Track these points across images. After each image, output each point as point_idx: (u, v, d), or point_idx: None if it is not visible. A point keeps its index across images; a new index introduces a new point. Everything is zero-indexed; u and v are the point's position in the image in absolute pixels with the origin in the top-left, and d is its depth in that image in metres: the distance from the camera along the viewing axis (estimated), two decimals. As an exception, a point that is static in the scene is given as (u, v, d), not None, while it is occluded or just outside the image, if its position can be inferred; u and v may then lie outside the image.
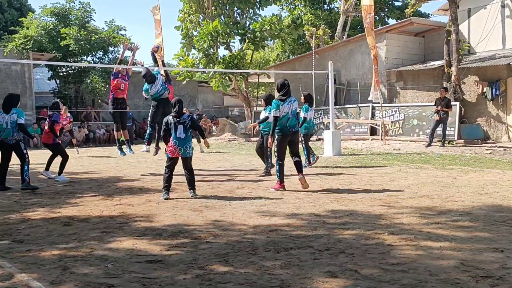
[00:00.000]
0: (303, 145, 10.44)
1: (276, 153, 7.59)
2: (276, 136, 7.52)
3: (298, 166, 7.58)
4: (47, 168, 9.83)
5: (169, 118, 7.14)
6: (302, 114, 10.18)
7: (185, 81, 20.86)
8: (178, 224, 5.35)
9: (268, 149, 9.08)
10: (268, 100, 8.97)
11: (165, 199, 6.91)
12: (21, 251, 4.39)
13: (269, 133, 9.15)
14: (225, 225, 5.27)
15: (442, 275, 3.54)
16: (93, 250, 4.37)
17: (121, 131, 10.78)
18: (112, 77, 10.80)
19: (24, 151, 8.26)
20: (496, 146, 13.18)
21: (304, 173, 7.70)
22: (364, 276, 3.55)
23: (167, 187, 7.08)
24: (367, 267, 3.73)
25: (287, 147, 7.63)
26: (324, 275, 3.60)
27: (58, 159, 9.52)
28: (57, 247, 4.51)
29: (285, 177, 7.72)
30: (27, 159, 8.23)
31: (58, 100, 10.26)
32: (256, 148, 9.85)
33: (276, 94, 8.03)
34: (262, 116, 9.71)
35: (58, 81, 25.13)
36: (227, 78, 20.15)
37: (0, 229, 5.32)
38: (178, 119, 7.08)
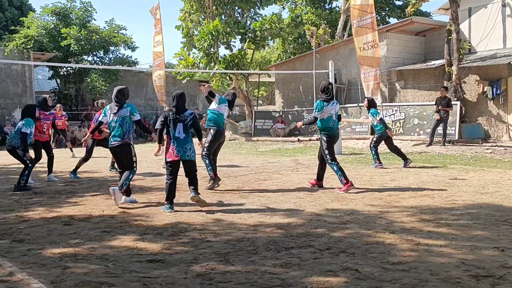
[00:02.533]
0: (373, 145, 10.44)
1: (327, 156, 7.35)
2: (324, 138, 7.37)
3: (324, 172, 7.63)
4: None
5: (169, 114, 6.29)
6: (373, 119, 10.32)
7: (185, 80, 20.85)
8: (179, 224, 5.34)
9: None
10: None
11: (169, 212, 5.99)
12: (22, 251, 4.39)
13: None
14: (225, 224, 5.26)
15: (443, 274, 3.53)
16: (94, 250, 4.37)
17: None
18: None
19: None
20: (496, 146, 13.16)
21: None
22: (365, 275, 3.54)
23: (170, 198, 6.13)
24: (368, 267, 3.73)
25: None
26: (325, 274, 3.59)
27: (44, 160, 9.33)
28: (58, 246, 4.50)
29: (285, 177, 7.71)
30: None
31: (47, 96, 9.77)
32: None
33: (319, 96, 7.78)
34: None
35: (58, 80, 25.14)
36: (227, 77, 20.14)
37: (0, 228, 5.32)
38: (177, 116, 6.23)
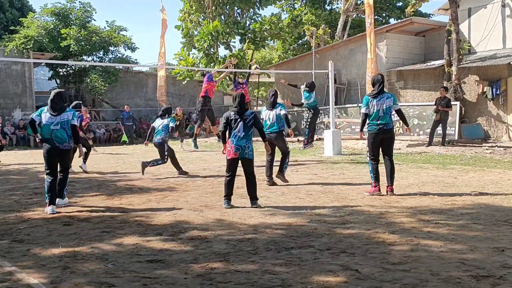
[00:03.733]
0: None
1: (368, 153, 7.13)
2: (366, 135, 7.10)
3: (389, 175, 7.02)
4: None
5: (230, 114, 6.38)
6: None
7: (185, 81, 20.86)
8: (179, 224, 5.34)
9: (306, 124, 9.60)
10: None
11: (226, 208, 6.11)
12: (22, 251, 4.39)
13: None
14: (225, 225, 5.26)
15: (443, 274, 3.53)
16: (94, 250, 4.37)
17: (210, 126, 11.66)
18: (207, 79, 12.35)
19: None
20: (496, 146, 13.16)
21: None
22: (365, 275, 3.54)
23: (228, 194, 6.26)
24: (368, 267, 3.73)
25: (381, 147, 7.06)
26: (325, 274, 3.59)
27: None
28: (58, 246, 4.50)
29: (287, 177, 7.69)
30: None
31: (80, 102, 10.71)
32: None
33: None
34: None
35: (58, 80, 25.13)
36: (227, 77, 20.15)
37: (0, 229, 5.31)
38: (240, 115, 6.35)
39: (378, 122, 6.97)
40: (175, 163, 9.49)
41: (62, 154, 6.36)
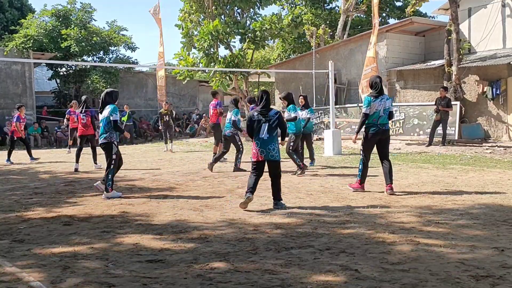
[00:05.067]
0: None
1: (362, 152, 7.21)
2: (364, 134, 7.17)
3: (387, 174, 7.05)
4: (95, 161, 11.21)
5: (254, 114, 6.24)
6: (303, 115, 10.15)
7: (185, 81, 20.86)
8: (179, 224, 5.35)
9: (291, 148, 9.13)
10: (289, 99, 9.11)
11: (247, 198, 6.03)
12: (22, 251, 4.39)
13: (294, 133, 9.25)
14: (225, 225, 5.26)
15: (443, 274, 3.53)
16: (94, 250, 4.37)
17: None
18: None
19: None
20: (496, 146, 13.17)
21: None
22: (364, 275, 3.55)
23: (251, 189, 6.10)
24: (368, 267, 3.73)
25: (376, 148, 7.19)
26: (324, 274, 3.59)
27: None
28: (58, 246, 4.51)
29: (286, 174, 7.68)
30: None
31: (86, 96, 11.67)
32: (286, 149, 9.18)
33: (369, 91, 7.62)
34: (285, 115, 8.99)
35: (58, 81, 25.14)
36: (227, 77, 20.13)
37: (0, 228, 5.32)
38: (264, 117, 6.14)
39: (378, 122, 7.07)
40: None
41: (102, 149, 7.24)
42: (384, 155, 7.17)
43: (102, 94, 7.35)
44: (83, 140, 10.96)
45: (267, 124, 6.12)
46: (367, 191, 7.27)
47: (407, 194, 6.98)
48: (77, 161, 10.76)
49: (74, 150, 14.43)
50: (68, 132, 15.61)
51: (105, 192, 7.10)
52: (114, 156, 7.14)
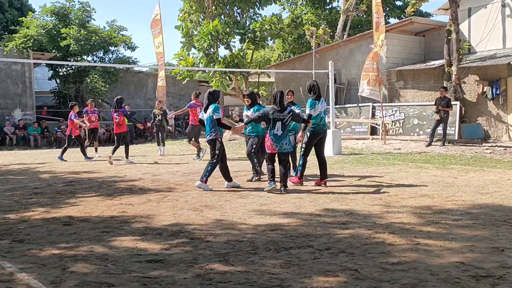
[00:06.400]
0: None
1: (302, 149, 7.80)
2: (308, 134, 7.76)
3: (324, 169, 7.83)
4: (127, 156, 12.05)
5: (269, 112, 7.18)
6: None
7: (185, 81, 20.86)
8: (178, 224, 5.35)
9: (253, 152, 8.51)
10: (253, 98, 8.71)
11: (272, 188, 7.10)
12: (22, 251, 4.39)
13: (257, 135, 8.80)
14: (225, 225, 5.26)
15: (443, 274, 3.53)
16: (93, 250, 4.37)
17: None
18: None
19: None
20: (496, 146, 13.18)
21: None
22: (364, 275, 3.55)
23: (272, 177, 7.20)
24: (367, 267, 3.73)
25: (314, 146, 7.86)
26: (324, 274, 3.59)
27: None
28: (58, 246, 4.51)
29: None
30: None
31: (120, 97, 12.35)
32: (247, 151, 8.85)
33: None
34: (245, 116, 8.87)
35: (58, 80, 25.15)
36: (227, 77, 20.13)
37: (0, 228, 5.32)
38: (278, 115, 7.13)
39: (321, 123, 7.81)
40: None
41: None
42: (321, 152, 7.88)
43: (205, 94, 7.83)
44: (120, 138, 11.95)
45: (281, 122, 7.08)
46: (367, 191, 7.28)
47: (407, 194, 6.98)
48: (126, 156, 12.09)
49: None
50: (85, 134, 15.11)
51: (199, 181, 7.61)
52: (217, 152, 7.60)
